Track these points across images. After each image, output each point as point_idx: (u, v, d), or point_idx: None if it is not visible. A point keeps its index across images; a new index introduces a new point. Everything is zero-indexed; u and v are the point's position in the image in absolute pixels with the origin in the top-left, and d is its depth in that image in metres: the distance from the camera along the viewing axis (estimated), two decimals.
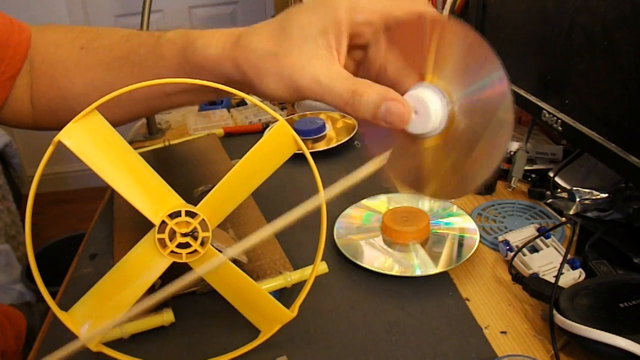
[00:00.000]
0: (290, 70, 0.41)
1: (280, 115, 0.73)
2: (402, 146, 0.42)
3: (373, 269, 0.55)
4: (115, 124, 0.45)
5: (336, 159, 0.80)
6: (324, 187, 0.40)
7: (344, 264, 0.57)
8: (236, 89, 0.42)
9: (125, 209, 0.65)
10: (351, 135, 0.85)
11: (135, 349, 0.46)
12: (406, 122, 0.38)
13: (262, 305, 0.45)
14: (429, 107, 0.37)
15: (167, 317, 0.48)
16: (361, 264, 0.56)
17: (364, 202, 0.67)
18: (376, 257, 0.57)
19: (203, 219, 0.39)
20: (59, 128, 0.45)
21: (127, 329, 0.46)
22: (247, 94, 0.43)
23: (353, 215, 0.64)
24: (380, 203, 0.66)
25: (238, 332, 0.48)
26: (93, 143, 0.37)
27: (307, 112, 0.95)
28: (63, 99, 0.53)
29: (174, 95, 0.51)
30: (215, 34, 0.45)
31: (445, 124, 0.38)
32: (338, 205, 0.66)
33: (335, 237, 0.60)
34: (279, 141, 0.40)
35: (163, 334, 0.49)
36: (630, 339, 0.40)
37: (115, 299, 0.40)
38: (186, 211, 0.39)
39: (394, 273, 0.54)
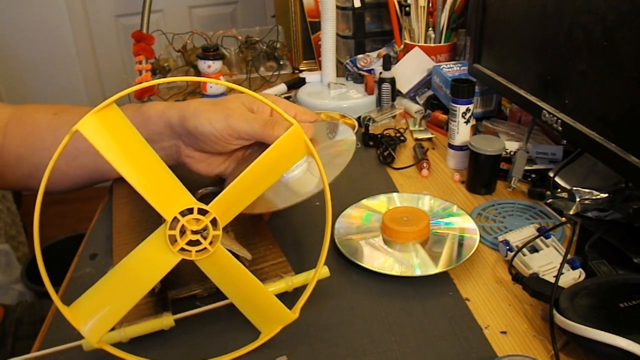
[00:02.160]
0: (225, 110, 0.54)
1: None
2: None
3: (373, 269, 0.55)
4: (64, 184, 0.62)
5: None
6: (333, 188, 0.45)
7: (344, 264, 0.57)
8: (172, 139, 0.58)
9: (124, 211, 0.65)
10: None
11: (135, 350, 0.46)
12: (310, 135, 0.52)
13: (266, 306, 0.45)
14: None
15: (166, 321, 0.48)
16: (361, 264, 0.56)
17: (364, 202, 0.67)
18: (376, 257, 0.57)
19: (214, 217, 0.39)
20: (17, 184, 0.62)
21: (127, 332, 0.46)
22: (186, 142, 0.58)
23: (353, 215, 0.64)
24: (380, 203, 0.66)
25: (238, 334, 0.48)
26: (110, 135, 0.37)
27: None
28: (31, 153, 0.61)
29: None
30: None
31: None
32: (338, 206, 0.66)
33: (335, 237, 0.60)
34: (292, 145, 0.41)
35: (163, 335, 0.49)
36: (630, 339, 0.40)
37: (121, 295, 0.40)
38: (198, 209, 0.39)
39: (394, 273, 0.54)
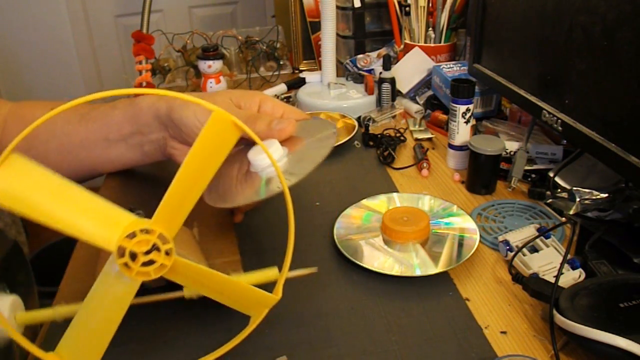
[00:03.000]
0: (212, 102, 0.53)
1: None
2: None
3: (373, 269, 0.55)
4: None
5: (336, 158, 0.80)
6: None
7: (344, 264, 0.57)
8: (153, 137, 0.59)
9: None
10: (351, 135, 0.85)
11: (135, 352, 0.46)
12: (292, 132, 0.53)
13: (245, 296, 0.44)
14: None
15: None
16: (361, 264, 0.56)
17: (364, 202, 0.67)
18: (376, 257, 0.57)
19: (161, 233, 0.37)
20: None
21: (60, 311, 0.45)
22: (172, 134, 0.59)
23: (353, 215, 0.64)
24: (380, 203, 0.66)
25: (233, 326, 0.48)
26: (20, 185, 0.35)
27: (307, 112, 0.95)
28: (28, 147, 0.62)
29: (113, 144, 0.61)
30: None
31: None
32: (338, 205, 0.66)
33: (335, 237, 0.60)
34: (219, 130, 0.39)
35: (160, 339, 0.49)
36: (630, 339, 0.40)
37: (96, 332, 0.39)
38: (141, 230, 0.37)
39: (394, 273, 0.54)
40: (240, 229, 0.62)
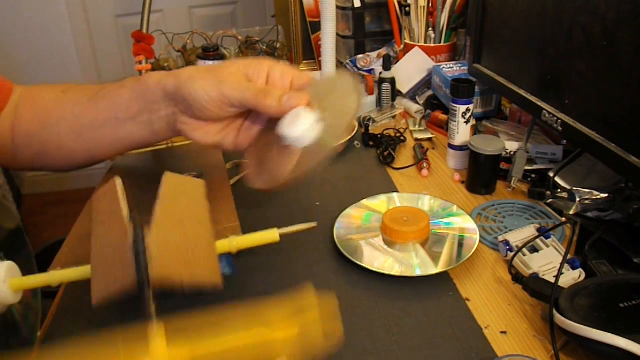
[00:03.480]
0: (219, 77, 0.53)
1: None
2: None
3: (373, 269, 0.55)
4: (73, 159, 0.64)
5: (336, 158, 0.80)
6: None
7: (344, 264, 0.57)
8: (162, 114, 0.58)
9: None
10: (351, 135, 0.85)
11: None
12: (304, 103, 0.50)
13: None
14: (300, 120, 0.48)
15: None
16: (361, 264, 0.56)
17: (364, 202, 0.67)
18: (376, 257, 0.57)
19: None
20: (29, 164, 0.65)
21: (56, 275, 0.45)
22: (181, 109, 0.57)
23: (353, 215, 0.64)
24: (380, 203, 0.66)
25: None
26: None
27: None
28: (40, 129, 0.63)
29: (122, 123, 0.61)
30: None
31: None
32: (338, 205, 0.66)
33: (335, 237, 0.60)
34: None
35: None
36: (630, 339, 0.40)
37: None
38: None
39: (394, 273, 0.54)
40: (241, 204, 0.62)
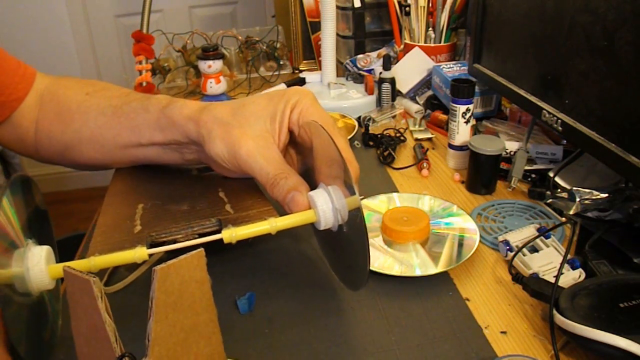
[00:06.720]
0: (236, 139, 0.50)
1: None
2: None
3: (373, 269, 0.55)
4: (95, 165, 0.62)
5: None
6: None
7: None
8: (191, 149, 0.57)
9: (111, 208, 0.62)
10: (351, 135, 0.85)
11: None
12: (303, 208, 0.48)
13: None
14: (317, 206, 0.47)
15: (139, 253, 0.43)
16: None
17: (364, 202, 0.67)
18: (376, 257, 0.57)
19: None
20: (52, 160, 0.65)
21: (97, 262, 0.42)
22: (199, 157, 0.58)
23: None
24: (380, 203, 0.66)
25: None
26: None
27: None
28: (62, 131, 0.62)
29: (147, 147, 0.59)
30: (192, 102, 0.57)
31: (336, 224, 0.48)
32: None
33: None
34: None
35: None
36: (630, 339, 0.40)
37: None
38: None
39: (394, 273, 0.54)
40: None
